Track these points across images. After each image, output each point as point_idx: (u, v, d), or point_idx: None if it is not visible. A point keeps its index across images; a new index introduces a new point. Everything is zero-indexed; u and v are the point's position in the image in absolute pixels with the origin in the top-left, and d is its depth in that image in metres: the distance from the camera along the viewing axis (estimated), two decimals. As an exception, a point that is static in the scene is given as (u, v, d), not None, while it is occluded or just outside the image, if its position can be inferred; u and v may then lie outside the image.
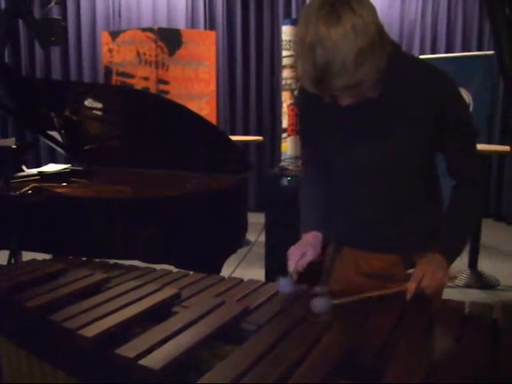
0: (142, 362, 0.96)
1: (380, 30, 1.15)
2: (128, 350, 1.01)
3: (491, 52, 5.25)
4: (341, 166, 1.50)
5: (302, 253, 1.41)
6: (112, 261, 1.81)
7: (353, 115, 1.35)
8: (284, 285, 1.36)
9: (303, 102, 1.53)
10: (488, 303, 1.32)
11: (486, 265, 4.26)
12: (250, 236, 3.82)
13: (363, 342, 1.06)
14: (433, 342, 1.08)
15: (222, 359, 0.99)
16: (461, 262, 4.25)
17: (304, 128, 1.61)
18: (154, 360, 0.97)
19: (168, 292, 1.34)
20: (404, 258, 1.49)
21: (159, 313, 1.24)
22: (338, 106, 1.30)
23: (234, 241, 2.85)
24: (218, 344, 1.09)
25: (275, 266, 3.40)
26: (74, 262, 1.73)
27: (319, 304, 1.22)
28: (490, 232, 5.19)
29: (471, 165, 1.43)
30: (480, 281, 4.03)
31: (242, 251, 3.24)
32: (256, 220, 3.99)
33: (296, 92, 4.40)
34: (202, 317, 1.17)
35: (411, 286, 1.28)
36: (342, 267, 1.58)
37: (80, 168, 3.37)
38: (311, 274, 1.43)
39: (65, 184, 3.09)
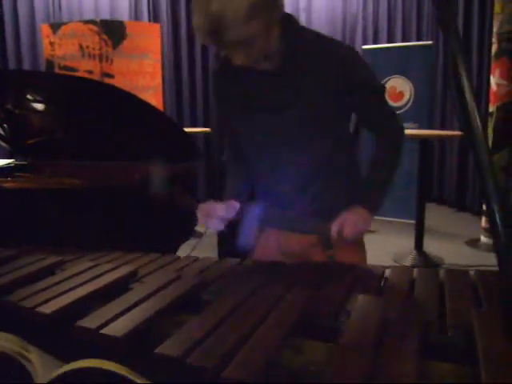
0: (104, 331, 0.97)
1: None
2: (89, 322, 1.00)
3: (429, 42, 5.44)
4: (256, 140, 1.53)
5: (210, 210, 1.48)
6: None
7: (262, 87, 1.43)
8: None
9: (219, 87, 1.58)
10: (434, 268, 1.39)
11: (430, 246, 4.43)
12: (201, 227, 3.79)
13: (320, 305, 1.10)
14: (385, 301, 1.12)
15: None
16: (408, 244, 4.41)
17: (222, 116, 1.66)
18: (116, 329, 0.97)
19: (125, 270, 1.34)
20: (321, 239, 1.53)
21: (117, 290, 1.23)
22: (250, 83, 1.43)
23: (184, 230, 2.85)
24: (180, 314, 1.10)
25: (229, 255, 3.40)
26: (26, 248, 1.69)
27: None
28: (434, 215, 5.39)
29: (384, 117, 1.53)
30: (426, 260, 4.19)
31: (193, 242, 3.24)
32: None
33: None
34: (160, 289, 1.17)
35: (333, 229, 1.41)
36: (265, 246, 1.63)
37: (24, 162, 3.26)
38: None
39: (8, 179, 2.99)
